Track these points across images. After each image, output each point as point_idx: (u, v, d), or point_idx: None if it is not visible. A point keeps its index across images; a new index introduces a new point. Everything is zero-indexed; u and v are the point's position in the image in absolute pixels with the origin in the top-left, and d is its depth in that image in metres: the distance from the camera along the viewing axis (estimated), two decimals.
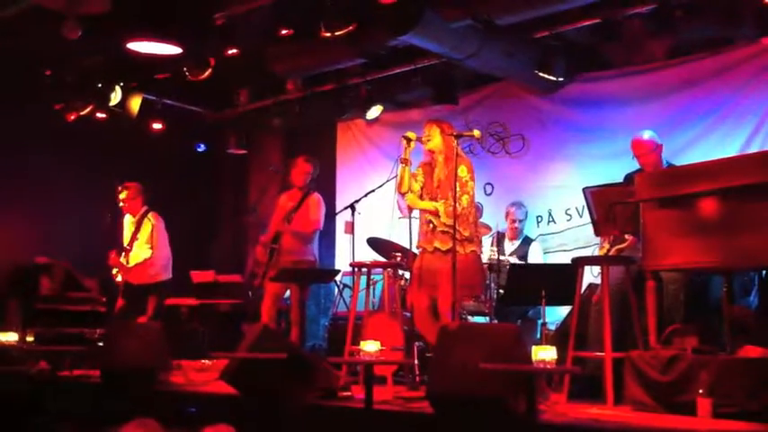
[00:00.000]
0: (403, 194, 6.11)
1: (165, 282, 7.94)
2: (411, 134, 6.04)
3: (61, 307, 8.23)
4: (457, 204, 5.78)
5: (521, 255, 7.87)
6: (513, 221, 7.95)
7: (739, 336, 4.84)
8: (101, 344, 7.20)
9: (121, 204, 7.90)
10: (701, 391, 4.41)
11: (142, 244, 7.80)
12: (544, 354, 4.08)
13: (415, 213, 6.33)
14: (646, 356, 4.87)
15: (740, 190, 4.67)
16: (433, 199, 6.02)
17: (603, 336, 5.19)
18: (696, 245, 4.88)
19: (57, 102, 8.93)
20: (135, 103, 8.94)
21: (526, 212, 8.10)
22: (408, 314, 6.58)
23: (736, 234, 4.69)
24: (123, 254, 7.75)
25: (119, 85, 8.84)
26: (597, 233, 6.07)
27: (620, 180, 6.23)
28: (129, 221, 7.99)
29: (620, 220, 5.62)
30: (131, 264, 7.75)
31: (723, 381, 4.43)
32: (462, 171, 5.90)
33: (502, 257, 7.57)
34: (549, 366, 4.11)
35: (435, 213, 5.95)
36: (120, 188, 7.91)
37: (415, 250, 6.32)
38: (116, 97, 8.83)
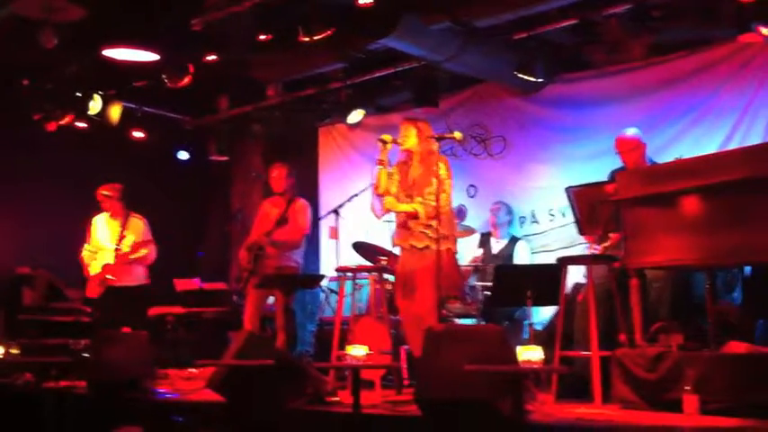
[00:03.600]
0: (380, 196, 6.11)
1: (146, 286, 7.95)
2: (387, 136, 6.04)
3: (45, 318, 8.17)
4: (434, 203, 5.78)
5: (507, 254, 7.89)
6: (494, 216, 8.00)
7: (724, 332, 4.87)
8: (86, 354, 7.17)
9: (103, 205, 7.89)
10: (687, 387, 4.43)
11: (140, 243, 7.79)
12: (530, 354, 4.08)
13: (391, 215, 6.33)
14: (632, 354, 4.90)
15: (721, 187, 4.71)
16: (409, 197, 6.01)
17: (590, 335, 5.21)
18: (678, 242, 4.92)
19: (36, 111, 8.88)
20: (115, 112, 8.89)
21: (510, 210, 8.13)
22: (396, 318, 6.59)
23: (718, 231, 4.73)
24: (114, 253, 7.73)
25: (98, 93, 8.80)
26: (581, 232, 6.10)
27: (602, 179, 6.25)
28: (105, 222, 7.94)
29: (603, 219, 5.65)
30: (130, 257, 7.74)
31: (709, 377, 4.46)
32: (441, 169, 5.89)
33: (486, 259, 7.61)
34: (535, 366, 4.11)
35: (414, 215, 5.94)
36: (100, 189, 7.89)
37: (397, 252, 6.33)
38: (95, 106, 8.78)
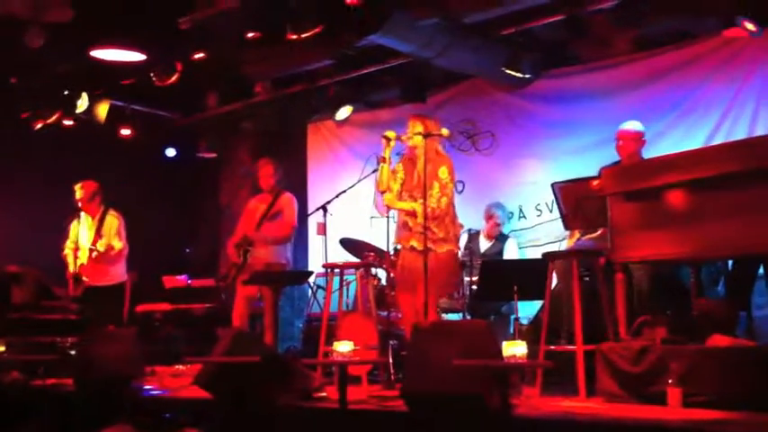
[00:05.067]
0: (382, 193, 6.12)
1: (124, 284, 7.95)
2: (391, 133, 6.04)
3: (33, 316, 8.15)
4: (435, 206, 5.81)
5: (496, 251, 7.91)
6: (497, 224, 8.01)
7: (708, 326, 4.89)
8: (74, 352, 7.16)
9: (79, 204, 7.87)
10: (670, 381, 4.46)
11: (111, 237, 7.77)
12: (515, 349, 4.10)
13: (393, 213, 6.35)
14: (617, 348, 4.92)
15: (706, 181, 4.73)
16: (413, 197, 6.03)
17: (575, 328, 5.24)
18: (664, 236, 4.94)
19: (23, 110, 8.86)
20: (102, 110, 8.89)
21: (506, 213, 8.16)
22: (384, 313, 6.61)
23: (703, 225, 4.75)
24: (89, 253, 7.71)
25: (85, 91, 8.79)
26: (567, 227, 6.13)
27: (589, 174, 6.25)
28: (84, 221, 7.91)
29: (589, 214, 5.67)
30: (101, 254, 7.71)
31: (693, 370, 4.48)
32: (443, 173, 5.92)
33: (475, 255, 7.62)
34: (520, 361, 4.13)
35: (413, 214, 5.96)
36: (76, 187, 7.89)
37: (391, 250, 6.36)
38: (83, 104, 8.77)
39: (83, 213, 7.93)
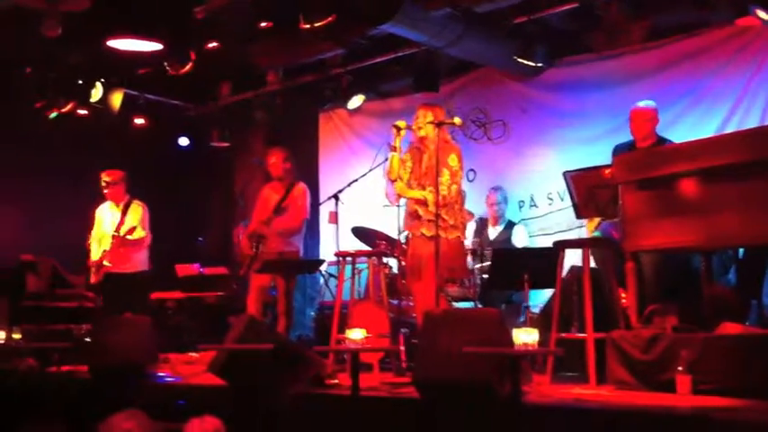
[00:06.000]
0: (392, 181, 6.15)
1: (146, 272, 8.01)
2: (401, 123, 6.07)
3: (48, 304, 8.22)
4: (446, 193, 5.84)
5: (504, 239, 7.93)
6: (493, 204, 8.03)
7: (718, 313, 4.90)
8: (88, 339, 7.23)
9: (105, 191, 7.94)
10: (681, 368, 4.47)
11: (135, 224, 7.84)
12: (526, 336, 4.12)
13: (403, 201, 6.38)
14: (627, 336, 4.94)
15: (718, 170, 4.74)
16: (421, 185, 6.06)
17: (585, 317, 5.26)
18: (675, 225, 4.95)
19: (38, 99, 8.91)
20: (116, 99, 8.94)
21: (505, 196, 8.17)
22: (395, 302, 6.65)
23: (714, 213, 4.76)
24: (112, 239, 7.77)
25: (100, 81, 8.84)
26: (578, 216, 6.14)
27: (601, 163, 6.26)
28: (109, 209, 8.02)
29: (600, 203, 5.68)
30: (122, 239, 7.77)
31: (703, 358, 4.50)
32: (453, 160, 5.96)
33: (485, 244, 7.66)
34: (530, 349, 4.15)
35: (423, 202, 5.99)
36: (103, 175, 7.96)
37: (402, 238, 6.38)
38: (97, 94, 8.82)
39: (107, 201, 8.02)
